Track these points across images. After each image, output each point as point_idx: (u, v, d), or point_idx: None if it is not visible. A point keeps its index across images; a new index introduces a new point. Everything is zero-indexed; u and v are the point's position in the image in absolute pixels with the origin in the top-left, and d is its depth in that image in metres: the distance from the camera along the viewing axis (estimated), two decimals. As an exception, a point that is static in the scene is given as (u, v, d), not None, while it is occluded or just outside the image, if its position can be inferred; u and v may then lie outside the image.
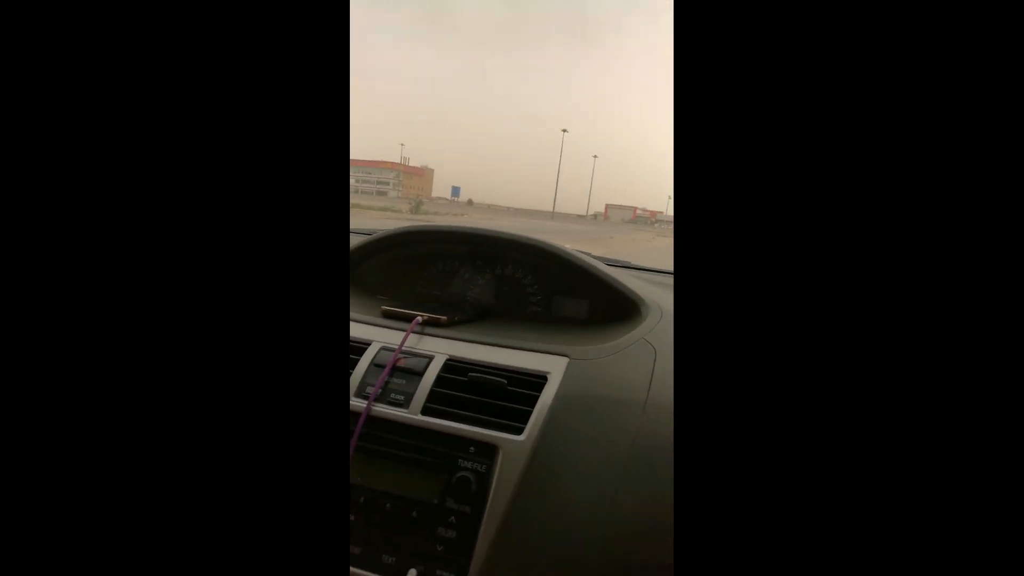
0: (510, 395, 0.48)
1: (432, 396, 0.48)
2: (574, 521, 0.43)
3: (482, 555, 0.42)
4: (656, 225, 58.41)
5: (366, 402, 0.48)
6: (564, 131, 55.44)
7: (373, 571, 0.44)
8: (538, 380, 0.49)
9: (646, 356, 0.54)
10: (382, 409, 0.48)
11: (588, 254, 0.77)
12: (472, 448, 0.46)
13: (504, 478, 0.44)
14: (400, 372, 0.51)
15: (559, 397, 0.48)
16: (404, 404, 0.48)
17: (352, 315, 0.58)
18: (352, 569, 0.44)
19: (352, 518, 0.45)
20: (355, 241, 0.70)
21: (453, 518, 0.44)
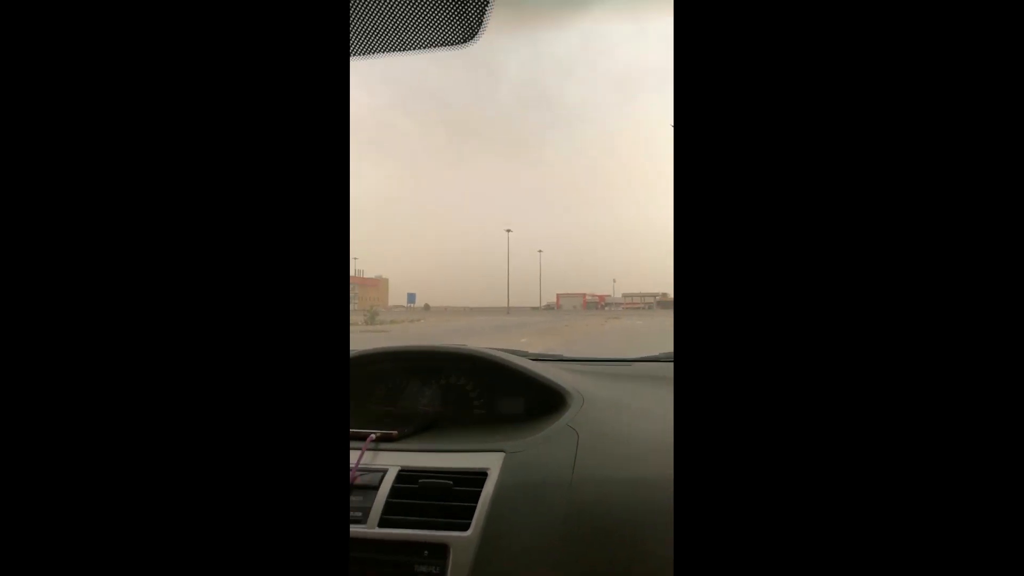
0: (456, 494, 0.53)
1: (388, 507, 0.53)
2: None
3: None
4: (606, 308, 61.18)
5: None
6: (508, 231, 59.27)
7: None
8: (479, 476, 0.55)
9: (569, 440, 0.61)
10: None
11: (523, 354, 0.91)
12: (426, 551, 0.50)
13: (456, 573, 0.48)
14: (357, 489, 0.55)
15: (498, 488, 0.54)
16: (362, 520, 0.52)
17: None
18: None
19: None
20: None
21: None
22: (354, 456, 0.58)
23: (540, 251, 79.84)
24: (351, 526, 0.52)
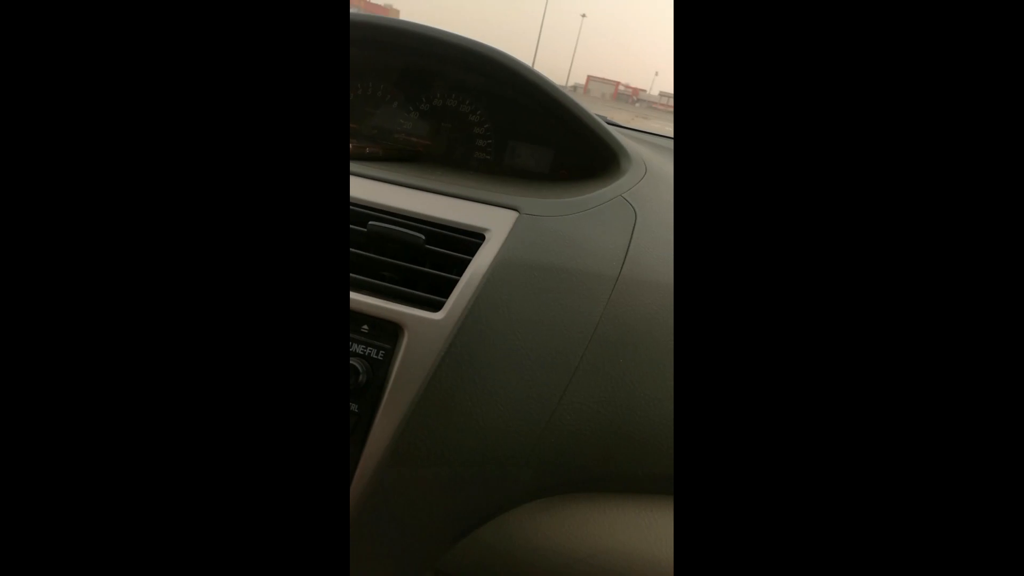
0: (430, 257, 0.36)
1: None
2: (499, 427, 0.33)
3: (367, 472, 0.32)
4: (637, 105, 55.05)
5: None
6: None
7: None
8: (472, 239, 0.37)
9: (623, 218, 0.42)
10: None
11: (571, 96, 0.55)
12: (365, 326, 0.34)
13: (408, 369, 0.32)
14: None
15: (501, 263, 0.35)
16: None
17: None
18: None
19: None
20: None
21: None
22: None
23: (584, 16, 67.05)
24: None
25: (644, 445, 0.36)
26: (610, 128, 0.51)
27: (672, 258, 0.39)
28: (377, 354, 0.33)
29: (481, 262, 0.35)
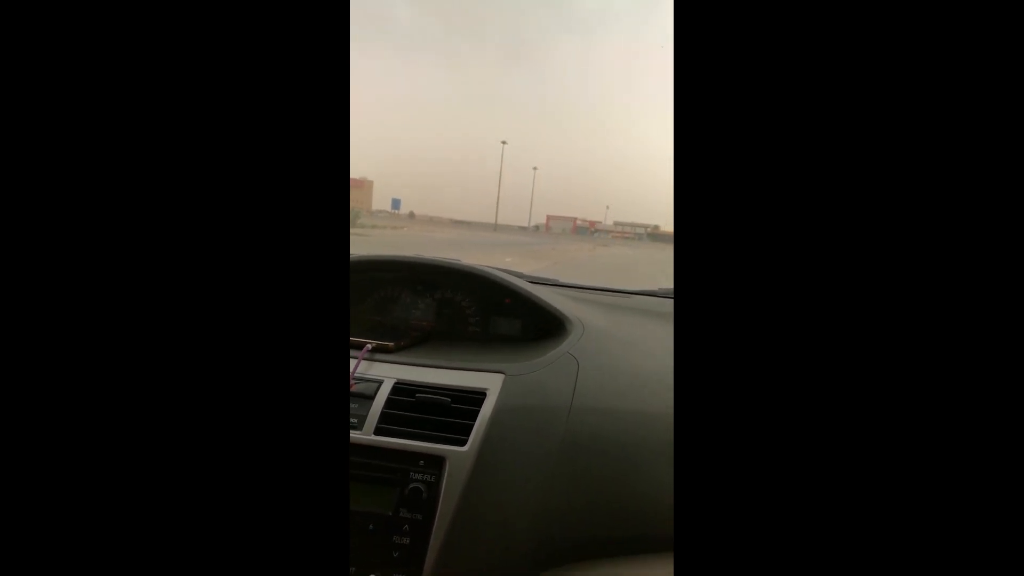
0: (453, 411, 0.54)
1: (383, 417, 0.53)
2: (512, 516, 0.49)
3: (434, 555, 0.47)
4: (595, 235, 60.26)
5: None
6: (504, 143, 56.11)
7: None
8: (478, 396, 0.55)
9: (570, 367, 0.61)
10: None
11: (519, 275, 0.85)
12: (422, 461, 0.51)
13: (451, 485, 0.49)
14: (353, 396, 0.55)
15: (497, 409, 0.54)
16: (358, 426, 0.53)
17: None
18: None
19: None
20: None
21: (407, 526, 0.48)
22: (350, 363, 0.58)
23: (535, 168, 76.78)
24: (350, 432, 0.53)
25: (614, 518, 0.51)
26: (555, 301, 0.75)
27: (603, 391, 0.59)
28: (431, 478, 0.50)
29: (485, 410, 0.54)
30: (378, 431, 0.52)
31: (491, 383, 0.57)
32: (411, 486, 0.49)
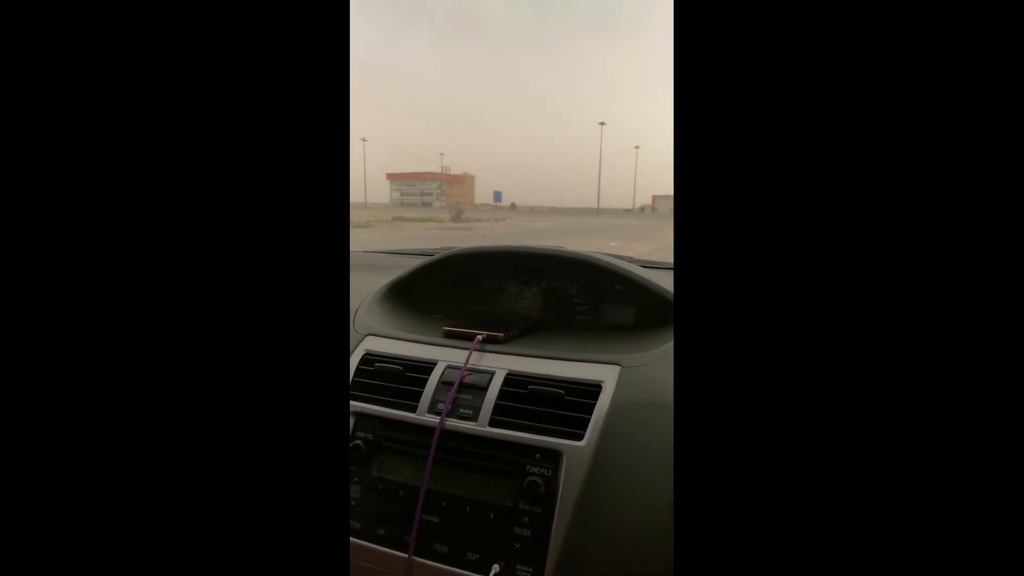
0: (568, 404, 0.52)
1: (497, 409, 0.53)
2: (635, 519, 0.47)
3: (556, 550, 0.46)
4: (707, 213, 55.51)
5: (439, 417, 0.52)
6: (602, 124, 54.29)
7: (460, 567, 0.49)
8: (593, 389, 0.53)
9: None
10: (453, 423, 0.53)
11: (630, 259, 0.82)
12: (538, 455, 0.50)
13: (570, 481, 0.48)
14: (466, 388, 0.55)
15: (614, 404, 0.51)
16: (473, 417, 0.53)
17: (415, 336, 0.64)
18: (442, 566, 0.49)
19: (437, 520, 0.50)
20: (412, 263, 0.76)
21: (526, 518, 0.48)
22: (462, 355, 0.58)
23: (637, 147, 73.25)
24: (462, 422, 0.52)
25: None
26: (670, 285, 0.69)
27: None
28: (548, 472, 0.49)
29: (602, 404, 0.51)
30: (492, 422, 0.52)
31: (607, 375, 0.54)
32: (528, 479, 0.48)
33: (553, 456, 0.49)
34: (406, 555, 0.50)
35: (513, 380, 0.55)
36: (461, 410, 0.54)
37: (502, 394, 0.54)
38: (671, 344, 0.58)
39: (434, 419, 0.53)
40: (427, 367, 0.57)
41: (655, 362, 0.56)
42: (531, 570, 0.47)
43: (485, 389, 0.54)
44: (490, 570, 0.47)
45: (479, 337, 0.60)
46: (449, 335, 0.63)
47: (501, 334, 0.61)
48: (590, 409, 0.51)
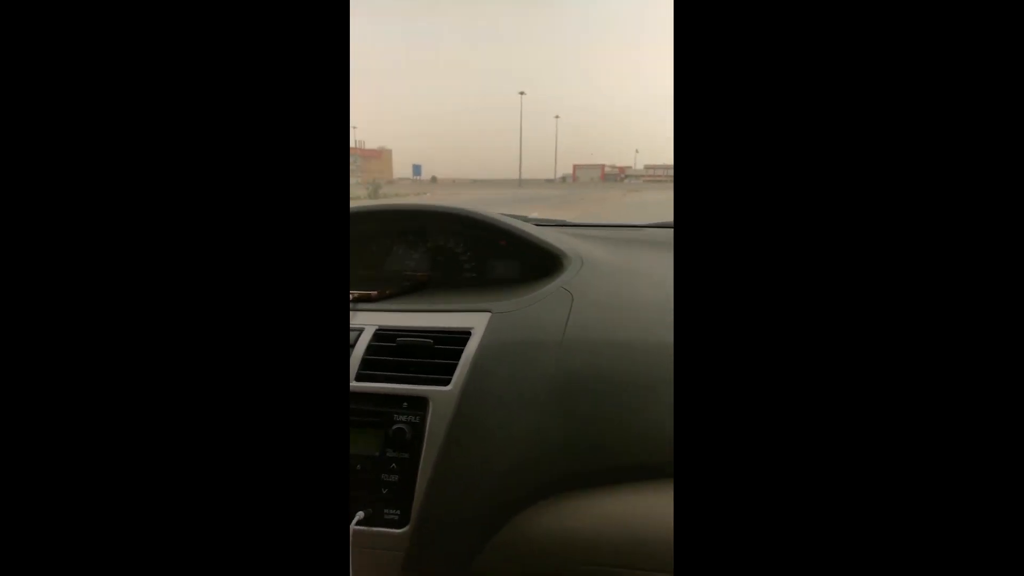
0: (437, 352, 0.53)
1: (364, 363, 0.53)
2: (500, 450, 0.49)
3: (422, 490, 0.48)
4: (625, 181, 57.74)
5: None
6: (522, 94, 53.66)
7: None
8: (462, 335, 0.54)
9: (563, 301, 0.59)
10: None
11: (523, 218, 0.83)
12: (405, 403, 0.51)
13: (436, 424, 0.49)
14: None
15: (482, 348, 0.53)
16: None
17: None
18: None
19: None
20: None
21: (394, 464, 0.49)
22: None
23: (557, 117, 73.49)
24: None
25: (619, 443, 0.49)
26: (553, 237, 0.72)
27: (600, 323, 0.56)
28: (415, 419, 0.50)
29: (469, 349, 0.53)
30: (360, 377, 0.52)
31: (476, 322, 0.56)
32: (395, 427, 0.49)
33: (420, 403, 0.50)
34: None
35: (382, 335, 0.55)
36: None
37: (371, 349, 0.54)
38: (544, 289, 0.61)
39: None
40: None
41: (525, 307, 0.58)
42: (398, 512, 0.48)
43: (352, 346, 0.54)
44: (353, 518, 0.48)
45: (350, 295, 0.59)
46: None
47: (374, 292, 0.62)
48: (458, 355, 0.52)
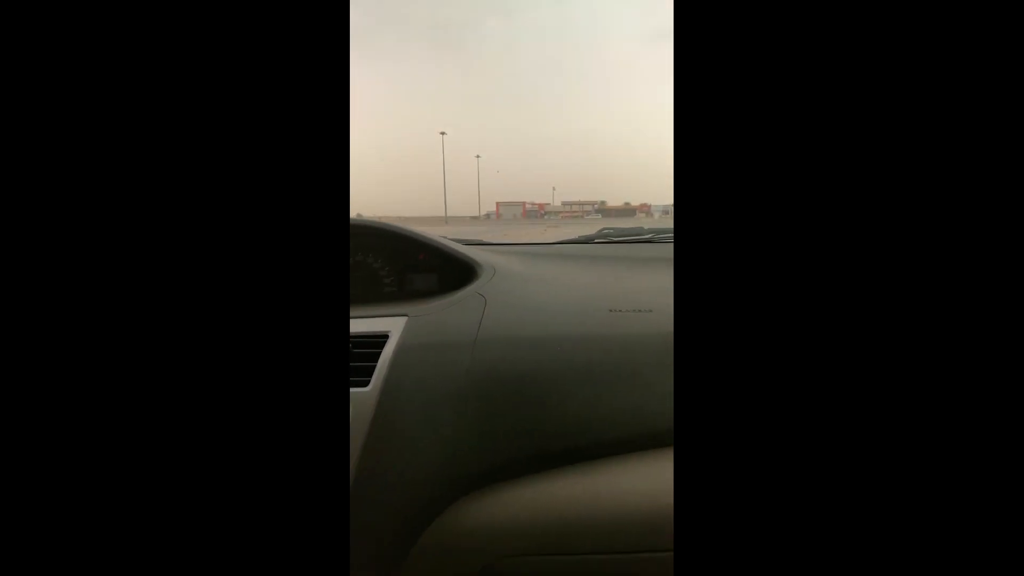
0: (356, 356, 0.54)
1: None
2: (420, 449, 0.49)
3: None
4: (546, 217, 60.73)
5: None
6: (443, 133, 55.33)
7: None
8: (379, 339, 0.56)
9: (477, 305, 0.61)
10: None
11: (452, 239, 0.85)
12: None
13: (355, 426, 0.49)
14: None
15: (399, 350, 0.54)
16: None
17: None
18: None
19: None
20: None
21: None
22: None
23: (478, 156, 76.12)
24: None
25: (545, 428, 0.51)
26: (469, 250, 0.78)
27: (511, 321, 0.58)
28: None
29: (387, 352, 0.54)
30: None
31: (394, 326, 0.57)
32: None
33: None
34: None
35: None
36: None
37: None
38: (459, 294, 0.65)
39: None
40: None
41: (441, 311, 0.60)
42: None
43: None
44: None
45: None
46: None
47: None
48: (376, 358, 0.53)
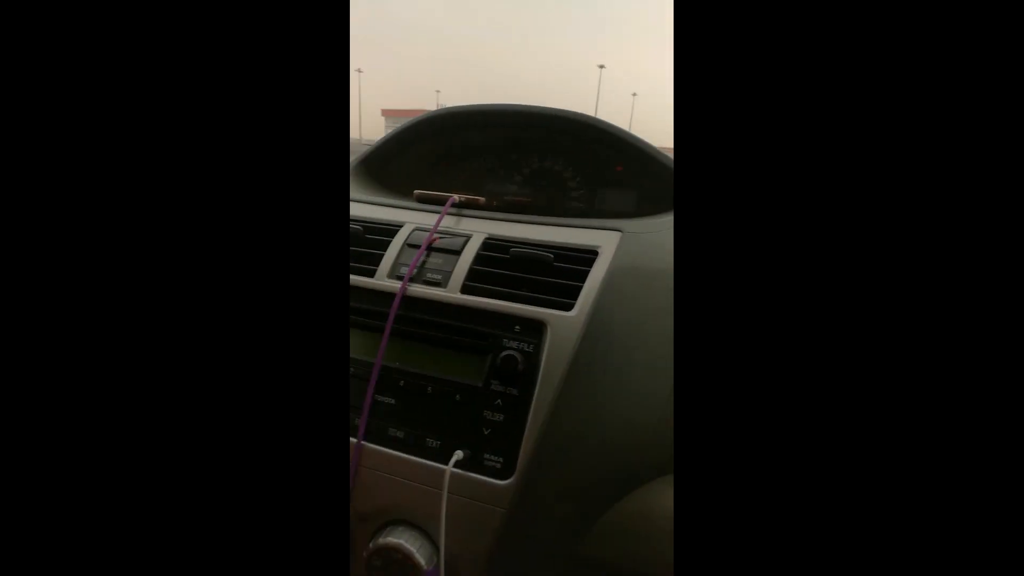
0: (557, 271, 0.45)
1: (472, 274, 0.45)
2: (634, 403, 0.39)
3: (532, 439, 0.39)
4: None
5: (400, 282, 0.45)
6: (601, 67, 53.18)
7: (418, 456, 0.41)
8: (588, 255, 0.46)
9: None
10: (419, 289, 0.45)
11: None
12: (517, 327, 0.42)
13: (554, 357, 0.40)
14: (436, 252, 0.47)
15: (612, 271, 0.44)
16: (442, 283, 0.45)
17: (383, 200, 0.57)
18: (396, 454, 0.42)
19: (393, 402, 0.43)
20: (382, 139, 0.67)
21: (499, 400, 0.40)
22: (432, 218, 0.51)
23: (634, 94, 71.74)
24: (428, 288, 0.45)
25: None
26: None
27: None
28: (528, 347, 0.41)
29: (597, 271, 0.44)
30: (465, 289, 0.44)
31: (605, 240, 0.47)
32: (504, 354, 0.40)
33: (536, 328, 0.41)
34: (354, 440, 0.42)
35: (493, 244, 0.47)
36: (428, 275, 0.46)
37: (479, 259, 0.46)
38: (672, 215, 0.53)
39: (395, 284, 0.45)
40: (391, 229, 0.50)
41: (663, 229, 0.49)
42: (501, 460, 0.39)
43: (459, 253, 0.46)
44: (451, 458, 0.39)
45: (454, 198, 0.52)
46: (421, 199, 0.56)
47: (482, 198, 0.54)
48: (583, 276, 0.43)
